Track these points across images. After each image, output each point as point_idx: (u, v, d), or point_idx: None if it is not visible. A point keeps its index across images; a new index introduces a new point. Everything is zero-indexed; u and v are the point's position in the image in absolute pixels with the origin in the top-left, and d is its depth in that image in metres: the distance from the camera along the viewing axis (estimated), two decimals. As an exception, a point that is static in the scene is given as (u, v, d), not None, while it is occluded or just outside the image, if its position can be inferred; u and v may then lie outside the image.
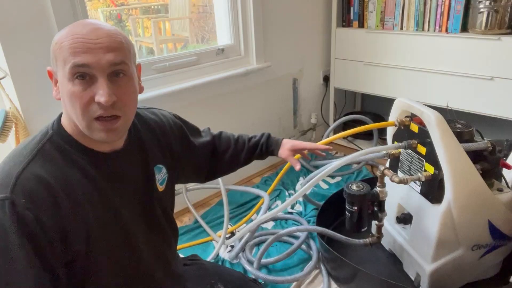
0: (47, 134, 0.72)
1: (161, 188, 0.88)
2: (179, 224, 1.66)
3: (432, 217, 1.15)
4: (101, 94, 0.66)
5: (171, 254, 0.96)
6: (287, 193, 1.97)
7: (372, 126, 1.32)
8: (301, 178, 2.08)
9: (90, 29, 0.67)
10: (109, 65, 0.67)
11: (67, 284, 0.70)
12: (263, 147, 1.13)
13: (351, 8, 2.24)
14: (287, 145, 1.12)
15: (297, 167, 1.07)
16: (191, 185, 1.87)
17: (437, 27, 1.94)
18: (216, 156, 1.09)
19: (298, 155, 1.15)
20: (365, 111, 2.69)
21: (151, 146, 0.87)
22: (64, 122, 0.74)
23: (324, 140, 1.30)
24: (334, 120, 2.38)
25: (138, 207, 0.82)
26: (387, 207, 1.22)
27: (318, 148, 1.13)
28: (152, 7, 3.59)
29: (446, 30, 1.91)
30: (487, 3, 1.74)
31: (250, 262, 1.46)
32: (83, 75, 0.66)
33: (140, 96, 0.92)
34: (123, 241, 0.78)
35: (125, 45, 0.70)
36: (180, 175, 1.00)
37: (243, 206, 1.88)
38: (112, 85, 0.68)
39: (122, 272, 0.79)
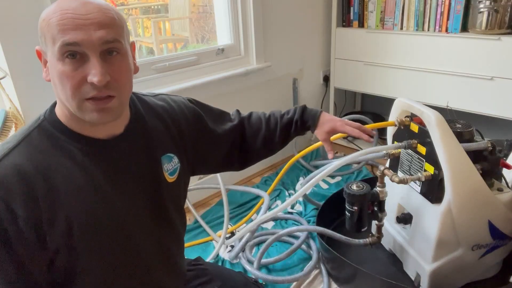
0: (38, 121, 0.69)
1: (171, 178, 0.82)
2: (179, 224, 1.66)
3: (432, 217, 1.15)
4: (94, 74, 0.61)
5: (179, 250, 0.91)
6: (287, 193, 1.97)
7: (372, 126, 1.32)
8: (301, 178, 2.08)
9: (80, 4, 0.62)
10: (101, 43, 0.62)
11: (48, 284, 0.67)
12: (298, 124, 1.01)
13: (351, 8, 2.24)
14: (326, 127, 0.99)
15: (330, 155, 0.96)
16: (191, 185, 1.87)
17: (437, 27, 1.94)
18: (247, 140, 1.01)
19: (339, 135, 1.02)
20: (365, 111, 2.69)
21: (158, 134, 0.81)
22: (57, 108, 0.70)
23: (371, 125, 1.17)
24: (334, 120, 2.37)
25: (142, 197, 0.77)
26: (387, 207, 1.22)
27: (362, 137, 0.98)
28: (152, 7, 3.58)
29: (446, 30, 1.91)
30: (487, 3, 1.74)
31: (250, 262, 1.46)
32: (73, 54, 0.61)
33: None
34: (116, 234, 0.73)
35: (117, 21, 0.65)
36: (200, 165, 0.94)
37: (243, 206, 1.88)
38: (105, 64, 0.63)
39: (115, 265, 0.75)
